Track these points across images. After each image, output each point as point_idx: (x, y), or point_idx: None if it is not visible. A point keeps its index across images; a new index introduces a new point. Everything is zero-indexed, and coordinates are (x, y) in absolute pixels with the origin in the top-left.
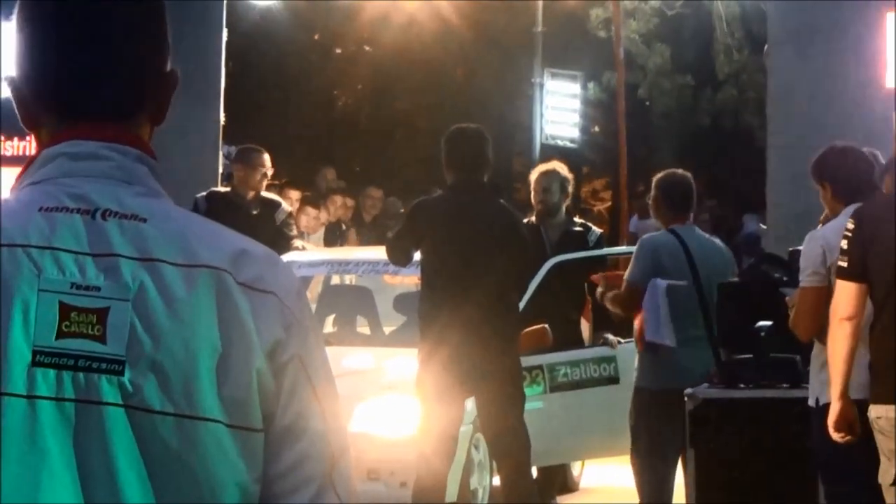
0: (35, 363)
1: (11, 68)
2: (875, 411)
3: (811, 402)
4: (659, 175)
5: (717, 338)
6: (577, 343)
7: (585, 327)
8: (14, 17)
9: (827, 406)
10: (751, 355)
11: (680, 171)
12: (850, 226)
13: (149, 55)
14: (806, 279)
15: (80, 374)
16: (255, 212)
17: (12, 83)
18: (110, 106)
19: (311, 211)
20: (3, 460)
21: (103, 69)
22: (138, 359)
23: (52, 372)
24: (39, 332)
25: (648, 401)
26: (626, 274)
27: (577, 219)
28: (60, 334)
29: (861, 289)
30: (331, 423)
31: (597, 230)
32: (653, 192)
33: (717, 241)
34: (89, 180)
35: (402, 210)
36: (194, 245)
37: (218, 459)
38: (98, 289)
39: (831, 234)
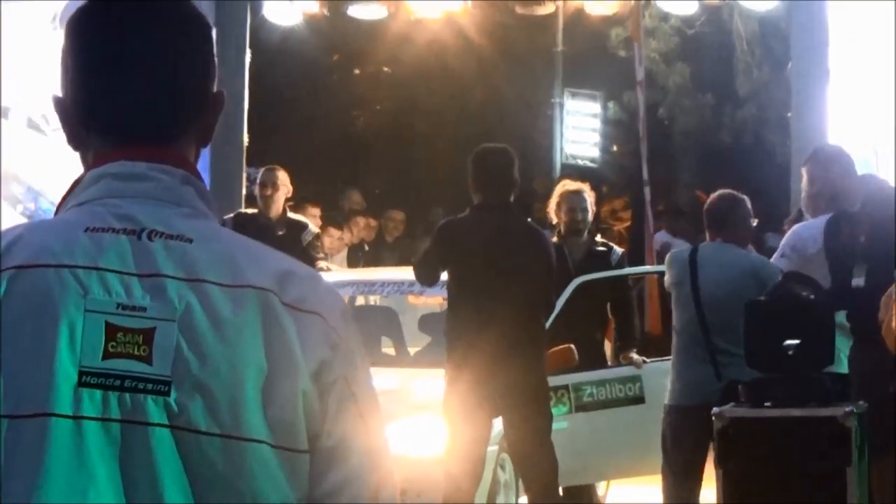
0: (81, 384)
1: (58, 89)
2: None
3: None
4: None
5: (744, 356)
6: (602, 363)
7: (607, 347)
8: (62, 39)
9: None
10: (779, 374)
11: (724, 191)
12: None
13: (195, 77)
14: None
15: (127, 395)
16: (280, 232)
17: (60, 104)
18: (157, 128)
19: (334, 232)
20: (50, 480)
21: (150, 91)
22: (184, 379)
23: (98, 392)
24: (86, 353)
25: (668, 417)
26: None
27: (598, 238)
28: (107, 355)
29: None
30: (376, 444)
31: (618, 250)
32: None
33: (752, 258)
34: (136, 201)
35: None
36: (240, 266)
37: (264, 480)
38: (144, 309)
39: None
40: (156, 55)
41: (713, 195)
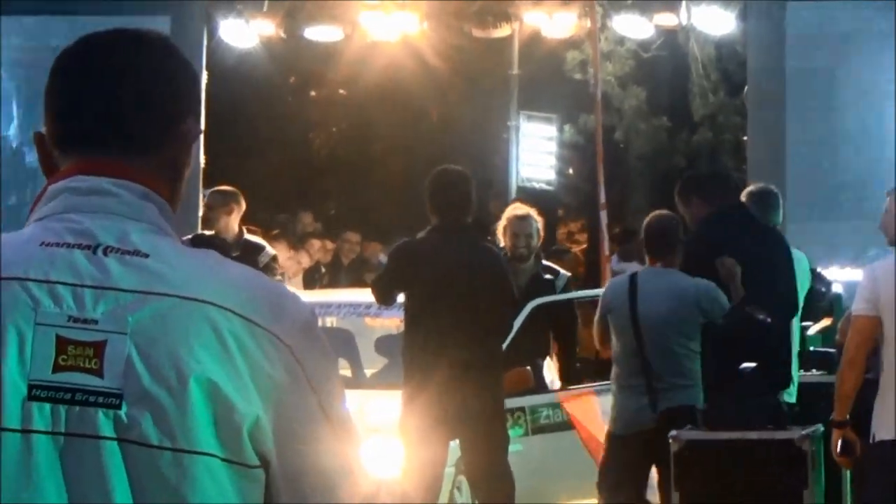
0: (31, 397)
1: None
2: None
3: (870, 438)
4: None
5: (701, 379)
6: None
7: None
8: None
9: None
10: (736, 396)
11: (661, 212)
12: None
13: (162, 99)
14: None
15: (77, 408)
16: (235, 254)
17: (39, 138)
18: (120, 143)
19: (290, 254)
20: None
21: (114, 106)
22: (135, 392)
23: (47, 406)
24: (36, 366)
25: (607, 443)
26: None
27: (544, 261)
28: (57, 368)
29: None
30: (352, 462)
31: (565, 275)
32: None
33: (696, 283)
34: (94, 216)
35: (381, 256)
36: (196, 280)
37: (214, 494)
38: (95, 322)
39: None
40: (119, 73)
41: (651, 216)
